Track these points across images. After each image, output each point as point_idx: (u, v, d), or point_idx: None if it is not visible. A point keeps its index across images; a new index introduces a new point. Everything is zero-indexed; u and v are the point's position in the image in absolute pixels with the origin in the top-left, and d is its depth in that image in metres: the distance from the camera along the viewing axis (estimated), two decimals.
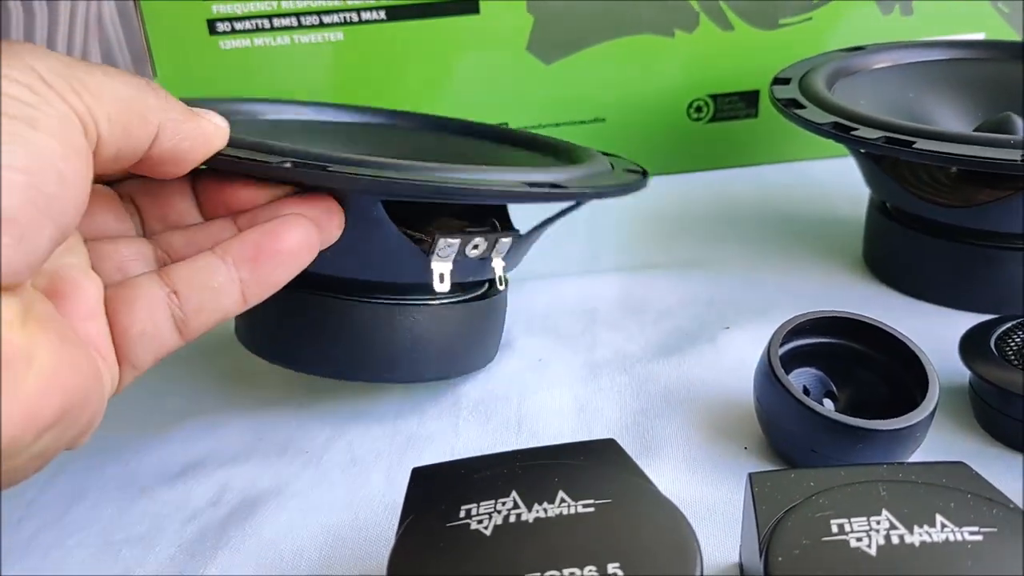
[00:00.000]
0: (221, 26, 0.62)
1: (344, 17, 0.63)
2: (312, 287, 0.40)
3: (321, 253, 0.35)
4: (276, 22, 0.62)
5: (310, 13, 0.62)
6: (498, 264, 0.41)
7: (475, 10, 0.64)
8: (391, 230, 0.37)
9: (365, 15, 0.63)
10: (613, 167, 0.45)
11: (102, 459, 0.42)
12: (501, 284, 0.42)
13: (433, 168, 0.36)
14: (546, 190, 0.37)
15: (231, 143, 0.34)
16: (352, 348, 0.40)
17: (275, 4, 0.62)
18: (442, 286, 0.39)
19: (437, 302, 0.41)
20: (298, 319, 0.40)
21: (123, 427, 0.44)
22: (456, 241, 0.38)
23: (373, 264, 0.39)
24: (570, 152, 0.48)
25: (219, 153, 0.33)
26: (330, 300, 0.40)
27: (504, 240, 0.40)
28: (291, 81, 0.64)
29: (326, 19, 0.63)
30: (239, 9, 0.62)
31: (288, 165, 0.33)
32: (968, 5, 0.68)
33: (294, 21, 0.63)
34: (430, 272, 0.39)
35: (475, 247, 0.39)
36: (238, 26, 0.62)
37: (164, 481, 0.41)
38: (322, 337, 0.40)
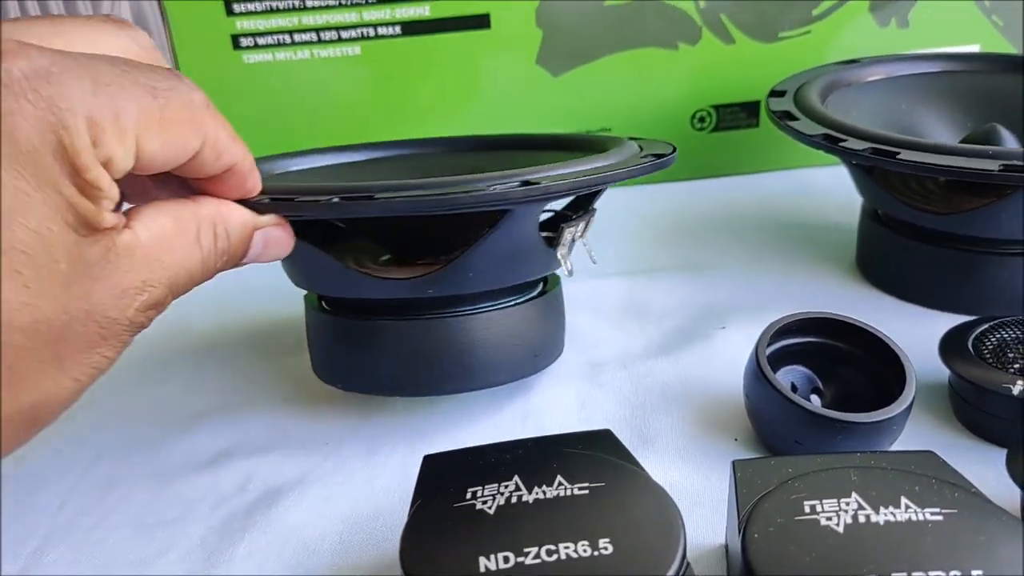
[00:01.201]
0: (245, 41, 0.65)
1: (361, 32, 0.66)
2: (401, 312, 0.42)
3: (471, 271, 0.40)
4: (297, 37, 0.66)
5: (329, 28, 0.65)
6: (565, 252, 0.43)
7: (487, 25, 0.67)
8: (535, 233, 0.40)
9: (381, 30, 0.66)
10: (642, 148, 0.47)
11: (134, 451, 0.45)
12: (568, 271, 0.44)
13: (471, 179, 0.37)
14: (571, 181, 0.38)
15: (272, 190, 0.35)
16: (464, 359, 0.42)
17: (296, 20, 0.65)
18: (568, 270, 0.43)
19: (513, 303, 0.43)
20: (410, 344, 0.42)
21: (153, 422, 0.48)
22: (573, 228, 0.42)
23: (515, 270, 0.42)
24: (602, 143, 0.49)
25: (267, 194, 0.35)
26: (432, 320, 0.42)
27: (590, 220, 0.44)
28: (311, 93, 0.68)
29: (344, 34, 0.66)
30: (262, 25, 0.65)
31: (336, 200, 0.35)
32: (963, 18, 0.70)
33: (314, 36, 0.66)
34: (556, 262, 0.42)
35: (575, 231, 0.42)
36: (261, 41, 0.65)
37: (193, 470, 0.43)
38: (429, 357, 0.42)
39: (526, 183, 0.36)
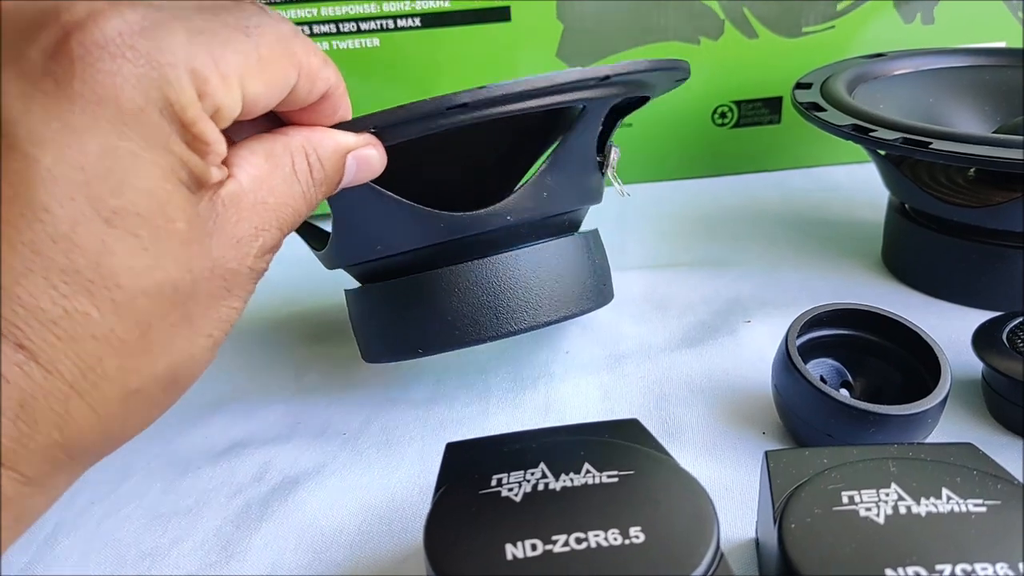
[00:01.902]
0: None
1: (381, 24, 0.65)
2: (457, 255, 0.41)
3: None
4: (316, 29, 0.65)
5: (348, 20, 0.65)
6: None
7: (507, 18, 0.66)
8: (593, 152, 0.40)
9: (401, 22, 0.65)
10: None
11: (148, 440, 0.45)
12: (623, 192, 0.45)
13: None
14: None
15: None
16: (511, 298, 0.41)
17: (314, 11, 0.64)
18: (623, 191, 0.44)
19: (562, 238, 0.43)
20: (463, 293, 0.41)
21: (168, 411, 0.47)
22: (616, 151, 0.42)
23: (579, 193, 0.42)
24: None
25: None
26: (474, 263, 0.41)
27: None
28: None
29: (363, 26, 0.65)
30: None
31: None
32: (988, 14, 0.69)
33: (333, 28, 0.65)
34: (603, 185, 0.43)
35: (616, 157, 0.43)
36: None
37: (208, 460, 0.43)
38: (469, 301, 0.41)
39: (604, 77, 0.36)
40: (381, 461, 0.41)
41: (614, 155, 0.42)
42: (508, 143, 0.49)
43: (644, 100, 0.44)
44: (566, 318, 0.42)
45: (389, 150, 0.34)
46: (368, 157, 0.33)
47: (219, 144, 0.26)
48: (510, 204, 0.40)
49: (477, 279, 0.40)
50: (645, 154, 0.72)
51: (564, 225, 0.43)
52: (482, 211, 0.39)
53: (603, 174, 0.43)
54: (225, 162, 0.27)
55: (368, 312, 0.43)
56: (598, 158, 0.42)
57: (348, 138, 0.32)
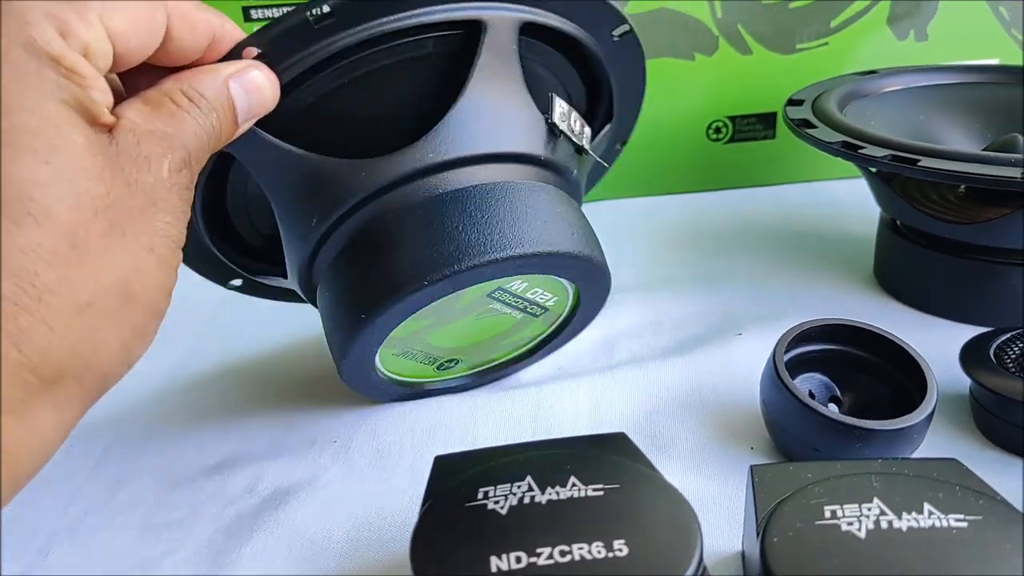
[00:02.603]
0: (255, 13, 0.65)
1: None
2: None
3: None
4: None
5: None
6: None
7: None
8: (515, 87, 0.40)
9: None
10: None
11: (141, 451, 0.45)
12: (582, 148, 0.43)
13: None
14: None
15: None
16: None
17: None
18: (582, 146, 0.43)
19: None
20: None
21: (159, 423, 0.47)
22: (562, 103, 0.41)
23: (506, 134, 0.40)
24: None
25: None
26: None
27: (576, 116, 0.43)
28: None
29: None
30: None
31: None
32: (982, 31, 0.70)
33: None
34: (550, 137, 0.41)
35: (564, 108, 0.42)
36: (269, 13, 0.64)
37: (201, 471, 0.43)
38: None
39: None
40: (372, 472, 0.42)
41: (560, 107, 0.41)
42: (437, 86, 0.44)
43: (573, 45, 0.43)
44: (526, 257, 0.37)
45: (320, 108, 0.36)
46: (253, 80, 0.33)
47: (96, 79, 0.28)
48: (429, 141, 0.38)
49: (423, 219, 0.38)
50: (640, 168, 0.72)
51: (515, 169, 0.40)
52: (397, 152, 0.37)
53: (550, 124, 0.41)
54: (114, 112, 0.29)
55: (331, 308, 0.40)
56: (544, 115, 0.41)
57: (225, 67, 0.33)
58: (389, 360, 0.43)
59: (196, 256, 0.44)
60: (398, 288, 0.37)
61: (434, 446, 0.43)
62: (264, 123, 0.36)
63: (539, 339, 0.47)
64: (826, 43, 0.70)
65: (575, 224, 0.41)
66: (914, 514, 0.29)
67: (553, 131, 0.41)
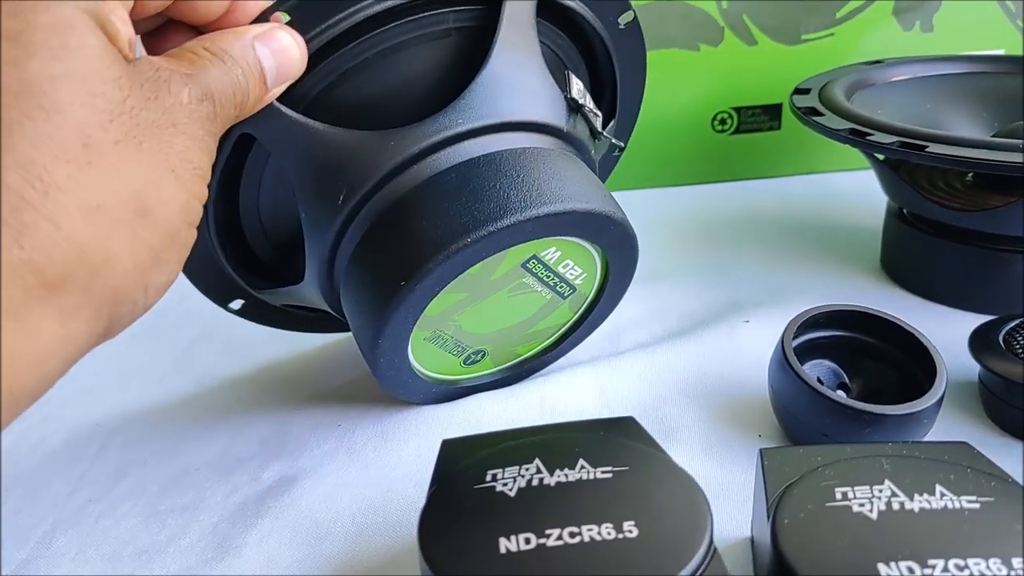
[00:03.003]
0: None
1: None
2: None
3: None
4: None
5: None
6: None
7: None
8: (531, 57, 0.40)
9: None
10: None
11: (144, 439, 0.45)
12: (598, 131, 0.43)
13: None
14: None
15: None
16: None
17: None
18: (597, 128, 0.43)
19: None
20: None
21: (162, 411, 0.47)
22: (579, 81, 0.42)
23: (523, 101, 0.40)
24: None
25: None
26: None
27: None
28: None
29: None
30: None
31: None
32: (987, 22, 0.70)
33: None
34: (569, 112, 0.41)
35: (580, 86, 0.42)
36: None
37: (205, 458, 0.43)
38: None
39: None
40: (377, 457, 0.41)
41: (576, 84, 0.41)
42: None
43: (580, 35, 0.44)
44: (568, 214, 0.37)
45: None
46: (279, 41, 0.33)
47: (115, 4, 0.27)
48: (457, 109, 0.38)
49: (458, 182, 0.37)
50: (645, 160, 0.72)
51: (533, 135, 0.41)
52: (426, 120, 0.37)
53: (569, 99, 0.41)
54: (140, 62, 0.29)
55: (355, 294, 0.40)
56: (564, 93, 0.41)
57: (251, 28, 0.33)
58: (420, 347, 0.41)
59: (200, 270, 0.43)
60: (442, 247, 0.36)
61: (438, 431, 0.43)
62: (289, 101, 0.36)
63: (563, 328, 0.46)
64: (832, 34, 0.69)
65: (605, 190, 0.41)
66: (926, 495, 0.29)
67: (572, 107, 0.41)
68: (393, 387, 0.42)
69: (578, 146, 0.42)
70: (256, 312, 0.47)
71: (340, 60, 0.37)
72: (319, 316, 0.48)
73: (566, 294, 0.43)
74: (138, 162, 0.27)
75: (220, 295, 0.45)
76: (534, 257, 0.40)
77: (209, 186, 0.31)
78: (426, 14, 0.38)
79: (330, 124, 0.37)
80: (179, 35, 0.33)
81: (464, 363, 0.44)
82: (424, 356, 0.42)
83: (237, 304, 0.46)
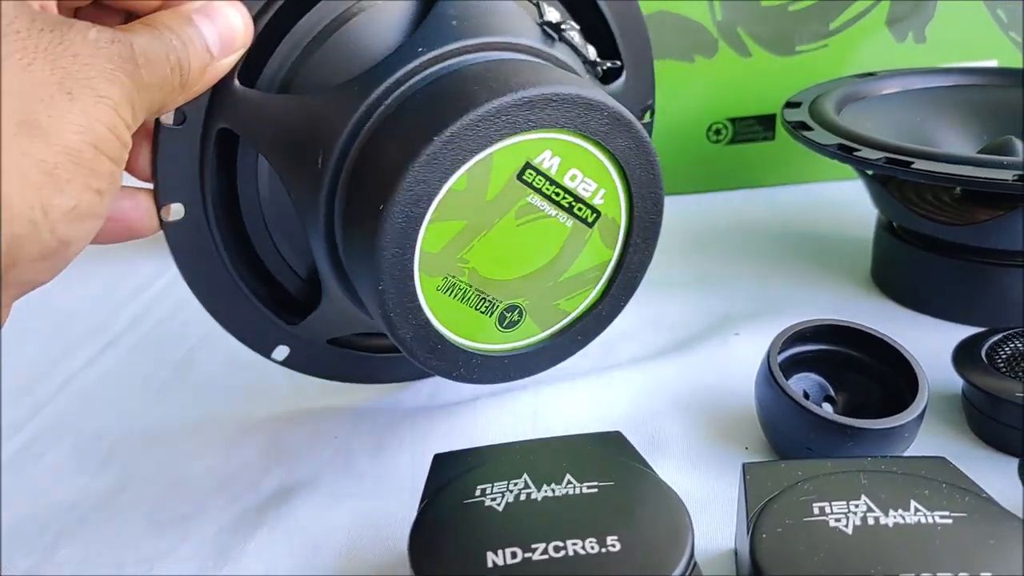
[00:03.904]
0: None
1: None
2: None
3: None
4: None
5: None
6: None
7: None
8: None
9: None
10: None
11: (145, 450, 0.46)
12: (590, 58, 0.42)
13: None
14: None
15: None
16: None
17: None
18: (589, 56, 0.42)
19: None
20: None
21: (162, 422, 0.48)
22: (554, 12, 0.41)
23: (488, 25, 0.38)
24: None
25: None
26: None
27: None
28: None
29: None
30: None
31: None
32: (980, 33, 0.70)
33: None
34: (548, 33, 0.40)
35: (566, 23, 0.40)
36: None
37: (204, 469, 0.44)
38: None
39: None
40: (372, 469, 0.42)
41: (551, 13, 0.40)
42: None
43: None
44: (557, 100, 0.35)
45: None
46: (218, 11, 0.33)
47: None
48: (419, 37, 0.37)
49: (434, 91, 0.36)
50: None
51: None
52: (393, 53, 0.36)
53: (543, 24, 0.39)
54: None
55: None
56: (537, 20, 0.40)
57: (189, 4, 0.33)
58: (436, 300, 0.37)
59: (231, 312, 0.42)
60: (410, 157, 0.33)
61: (433, 443, 0.43)
62: (263, 87, 0.37)
63: (608, 273, 0.41)
64: (825, 45, 0.70)
65: (599, 87, 0.39)
66: (900, 511, 0.30)
67: (550, 33, 0.39)
68: (424, 358, 0.38)
69: (568, 71, 0.40)
70: (302, 360, 0.45)
71: (299, 34, 0.38)
72: (369, 356, 0.46)
73: (590, 219, 0.39)
74: (22, 80, 0.27)
75: (260, 342, 0.44)
76: (528, 166, 0.36)
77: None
78: None
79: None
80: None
81: (501, 325, 0.39)
82: (446, 312, 0.38)
83: (282, 353, 0.44)
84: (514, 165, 0.35)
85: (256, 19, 0.36)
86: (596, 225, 0.39)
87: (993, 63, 0.71)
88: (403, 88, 0.36)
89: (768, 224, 0.68)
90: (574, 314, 0.41)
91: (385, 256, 0.34)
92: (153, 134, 0.37)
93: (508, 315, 0.39)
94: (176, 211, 0.38)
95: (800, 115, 0.55)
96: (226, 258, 0.41)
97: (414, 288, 0.36)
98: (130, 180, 0.36)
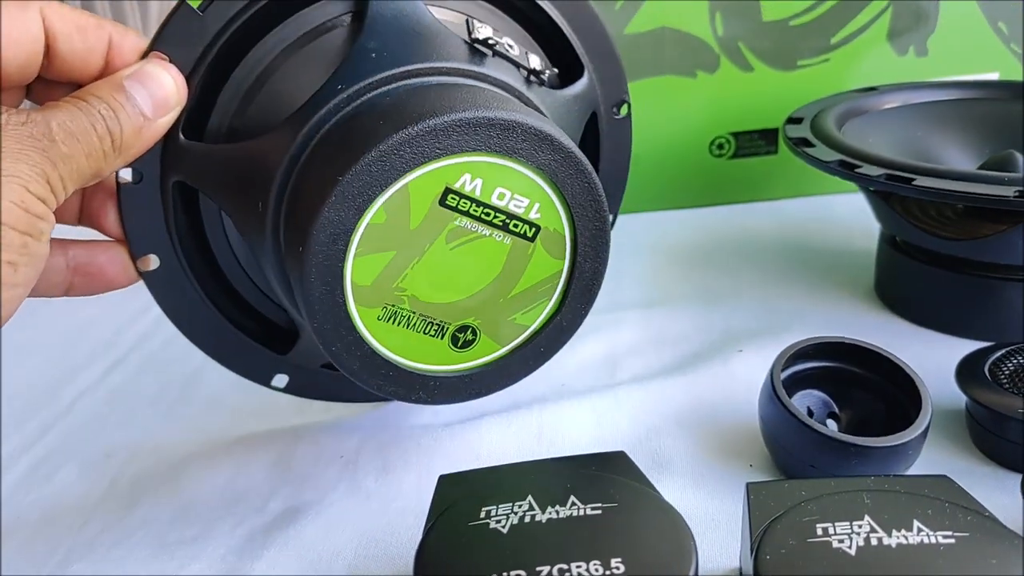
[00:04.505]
0: None
1: None
2: None
3: None
4: None
5: None
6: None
7: None
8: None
9: None
10: None
11: (153, 471, 0.46)
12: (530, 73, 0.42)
13: None
14: None
15: None
16: None
17: None
18: (530, 70, 0.41)
19: None
20: None
21: (169, 443, 0.49)
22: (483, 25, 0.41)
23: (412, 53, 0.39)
24: None
25: None
26: None
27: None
28: None
29: None
30: None
31: None
32: (981, 46, 0.71)
33: None
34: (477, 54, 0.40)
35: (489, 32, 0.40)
36: None
37: (212, 489, 0.44)
38: None
39: None
40: (379, 489, 0.43)
41: (480, 29, 0.40)
42: None
43: None
44: (461, 125, 0.34)
45: None
46: (149, 74, 0.35)
47: None
48: (338, 74, 0.37)
49: (347, 127, 0.37)
50: (643, 184, 0.73)
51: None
52: (317, 92, 0.37)
53: (471, 42, 0.39)
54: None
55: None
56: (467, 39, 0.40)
57: (122, 71, 0.35)
58: (380, 329, 0.37)
59: (224, 350, 0.44)
60: (321, 200, 0.34)
61: (439, 463, 0.44)
62: (210, 138, 0.39)
63: (561, 282, 0.40)
64: (827, 59, 0.70)
65: (515, 102, 0.38)
66: (903, 531, 0.30)
67: (480, 51, 0.39)
68: (378, 386, 0.38)
69: (503, 88, 0.40)
70: (303, 385, 0.46)
71: (236, 83, 0.39)
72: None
73: (529, 234, 0.38)
74: None
75: (258, 373, 0.45)
76: (449, 191, 0.35)
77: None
78: (304, 11, 0.39)
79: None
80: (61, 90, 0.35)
81: (455, 346, 0.39)
82: (393, 340, 0.38)
83: (282, 381, 0.46)
84: (433, 192, 0.35)
85: (190, 76, 0.37)
86: (538, 238, 0.38)
87: (995, 76, 0.71)
88: (325, 128, 0.37)
89: (771, 238, 0.68)
90: (533, 327, 0.40)
91: (315, 295, 0.35)
92: (116, 193, 0.39)
93: (461, 335, 0.39)
94: (151, 261, 0.40)
95: (802, 131, 0.55)
96: (207, 299, 0.43)
97: (351, 321, 0.36)
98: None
